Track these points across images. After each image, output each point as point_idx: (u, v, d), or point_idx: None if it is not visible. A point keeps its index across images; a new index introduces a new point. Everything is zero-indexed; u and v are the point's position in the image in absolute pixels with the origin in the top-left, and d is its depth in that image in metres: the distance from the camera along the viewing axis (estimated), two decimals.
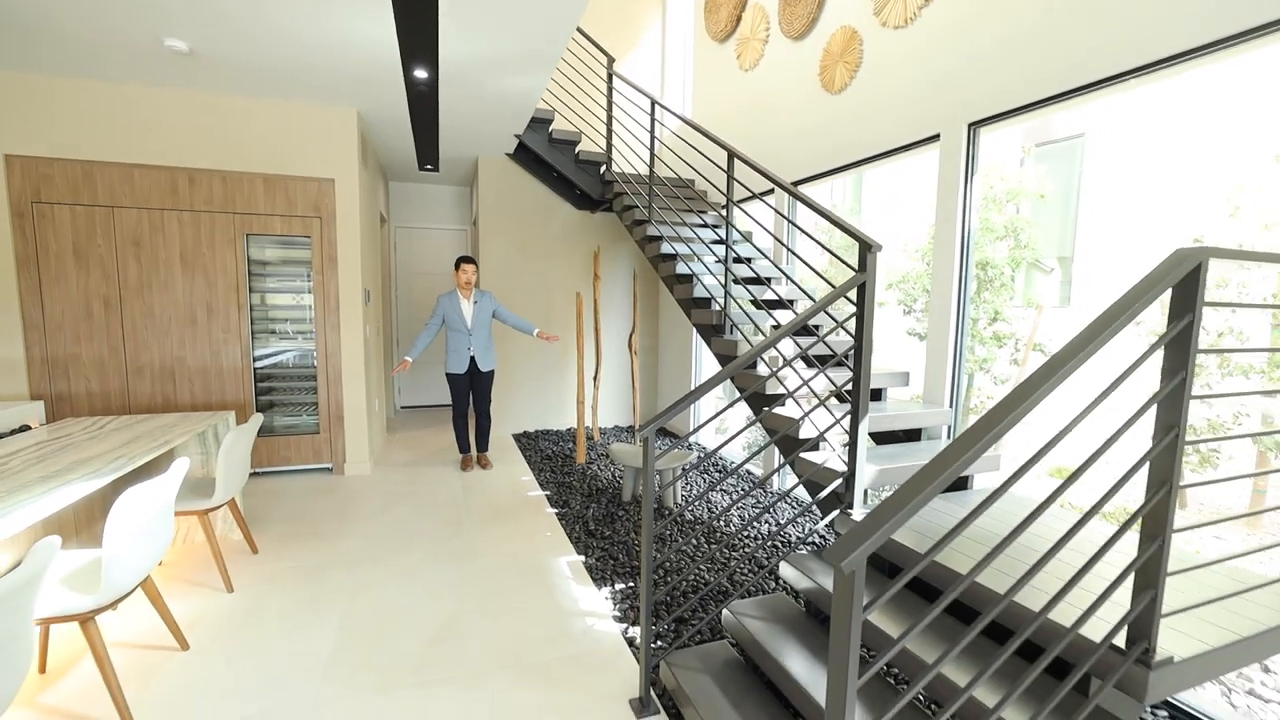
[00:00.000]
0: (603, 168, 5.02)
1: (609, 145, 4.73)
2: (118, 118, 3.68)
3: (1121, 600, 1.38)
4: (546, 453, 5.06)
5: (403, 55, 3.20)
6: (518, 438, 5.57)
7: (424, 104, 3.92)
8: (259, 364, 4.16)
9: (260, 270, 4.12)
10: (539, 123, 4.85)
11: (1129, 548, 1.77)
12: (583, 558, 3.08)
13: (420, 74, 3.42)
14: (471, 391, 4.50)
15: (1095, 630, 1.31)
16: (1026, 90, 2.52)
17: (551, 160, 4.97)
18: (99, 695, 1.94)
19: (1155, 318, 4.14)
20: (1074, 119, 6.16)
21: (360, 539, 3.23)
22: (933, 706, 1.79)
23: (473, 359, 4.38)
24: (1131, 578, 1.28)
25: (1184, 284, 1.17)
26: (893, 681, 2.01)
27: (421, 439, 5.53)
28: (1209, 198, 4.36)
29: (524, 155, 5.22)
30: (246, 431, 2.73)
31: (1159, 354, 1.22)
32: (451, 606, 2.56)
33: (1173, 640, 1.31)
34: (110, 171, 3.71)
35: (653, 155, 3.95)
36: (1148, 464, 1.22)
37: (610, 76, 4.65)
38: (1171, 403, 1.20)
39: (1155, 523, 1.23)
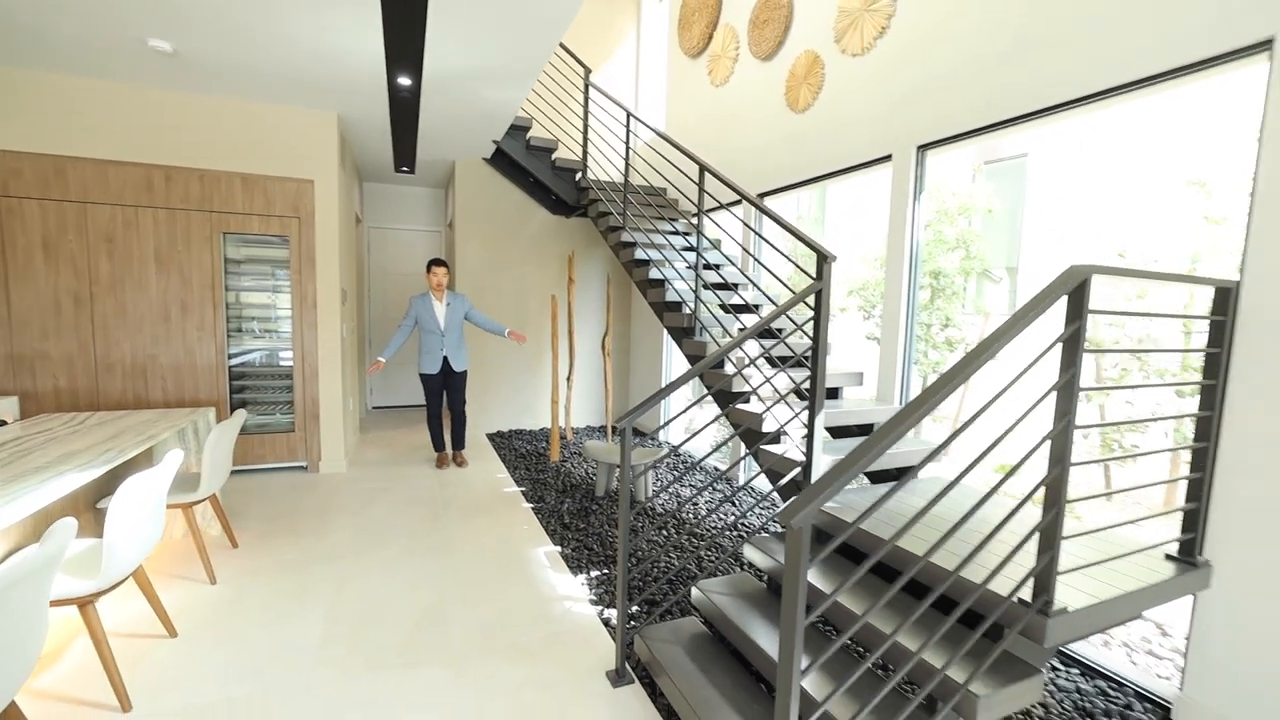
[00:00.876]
0: (578, 175, 5.19)
1: (585, 153, 4.90)
2: (92, 113, 3.68)
3: (1030, 563, 1.61)
4: (521, 451, 5.18)
5: (388, 64, 3.30)
6: (492, 437, 5.67)
7: (405, 110, 4.01)
8: (234, 362, 4.18)
9: (237, 269, 4.15)
10: (517, 129, 4.99)
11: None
12: (559, 548, 3.23)
13: (404, 82, 3.53)
14: (446, 391, 4.59)
15: (1007, 588, 1.54)
16: (968, 118, 2.79)
17: (529, 166, 5.10)
18: (91, 679, 2.00)
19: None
20: (1018, 140, 6.62)
21: (340, 534, 3.31)
22: (883, 665, 2.01)
23: (445, 359, 4.47)
24: (1036, 543, 1.51)
25: (1074, 295, 1.41)
26: (840, 642, 2.22)
27: (394, 438, 5.58)
28: (1132, 215, 4.79)
29: (501, 160, 5.34)
30: (231, 427, 2.80)
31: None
32: (434, 595, 2.68)
33: (1069, 595, 1.55)
34: (83, 167, 3.70)
35: (628, 166, 4.13)
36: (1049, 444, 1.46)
37: (587, 87, 4.82)
38: (1065, 394, 1.44)
39: (1053, 494, 1.46)
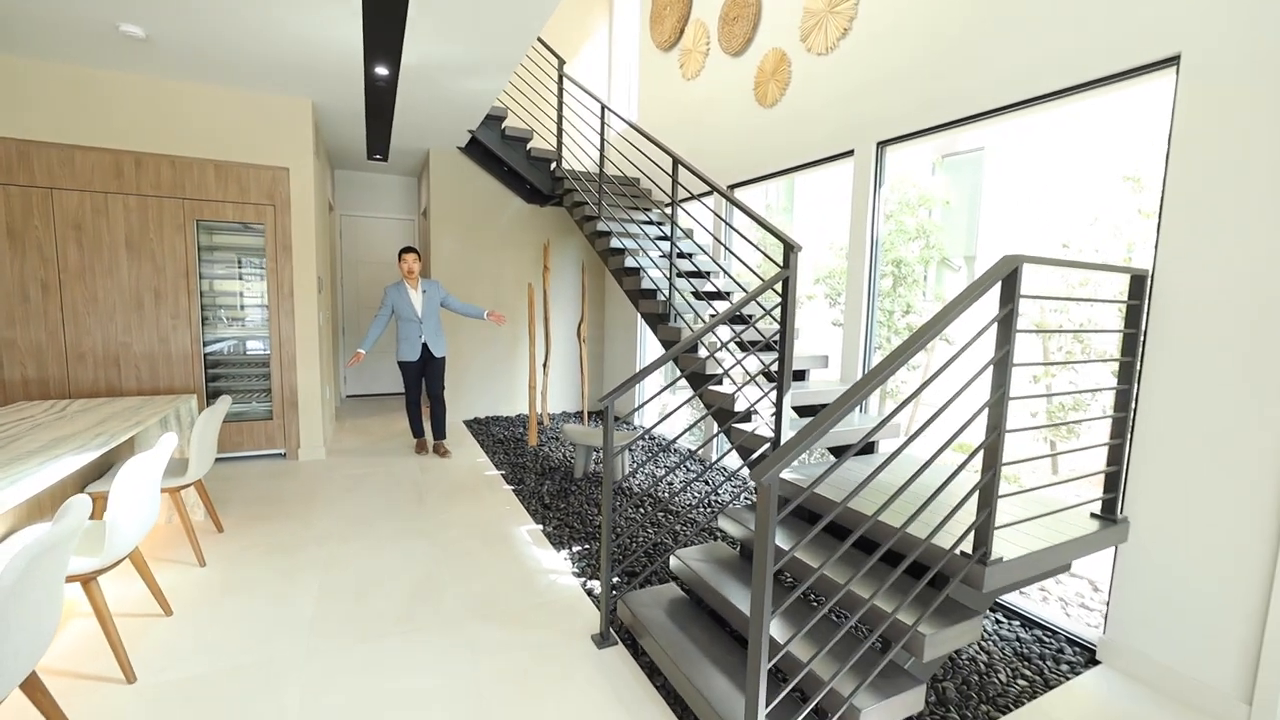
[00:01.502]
0: (553, 164, 5.26)
1: (559, 143, 4.97)
2: (58, 97, 3.61)
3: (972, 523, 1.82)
4: (499, 437, 5.28)
5: (366, 54, 3.34)
6: (469, 424, 5.75)
7: (381, 99, 4.04)
8: (209, 349, 4.16)
9: (212, 256, 4.12)
10: (492, 119, 5.03)
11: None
12: (541, 526, 3.36)
13: (381, 72, 3.57)
14: (424, 378, 4.64)
15: (950, 543, 1.74)
16: (922, 116, 2.97)
17: (504, 155, 5.15)
18: (91, 654, 2.07)
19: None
20: (976, 134, 6.92)
21: (326, 517, 3.38)
22: (839, 611, 2.21)
23: (425, 346, 4.51)
24: (975, 501, 1.71)
25: (1008, 281, 1.60)
26: (804, 595, 2.42)
27: (371, 426, 5.61)
28: (1076, 208, 5.11)
29: (475, 149, 5.37)
30: (217, 412, 2.85)
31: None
32: (424, 570, 2.79)
33: (1005, 548, 1.76)
34: (49, 152, 3.63)
35: (602, 157, 4.24)
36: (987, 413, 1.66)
37: (561, 78, 4.89)
38: (1000, 368, 1.63)
39: (991, 457, 1.66)
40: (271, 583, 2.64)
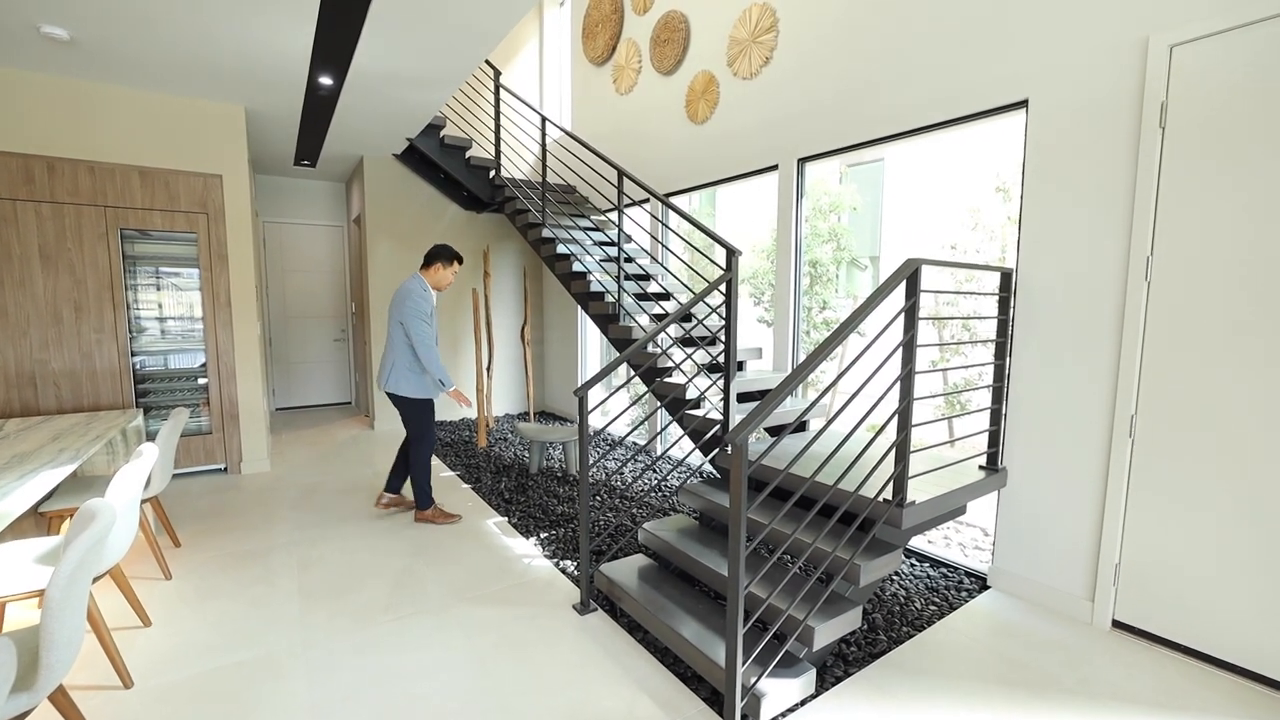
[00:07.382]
0: (491, 172, 5.39)
1: (497, 152, 5.13)
2: None
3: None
4: (445, 441, 5.35)
5: (313, 63, 3.38)
6: None
7: (321, 107, 4.04)
8: (139, 364, 3.99)
9: (140, 266, 3.95)
10: (430, 127, 5.09)
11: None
12: (506, 518, 3.54)
13: (325, 81, 3.61)
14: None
15: (874, 494, 2.14)
16: (837, 136, 3.44)
17: (442, 163, 5.22)
18: (81, 664, 2.07)
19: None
20: (877, 147, 7.71)
21: (286, 525, 3.39)
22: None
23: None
24: (892, 459, 2.12)
25: (911, 279, 2.02)
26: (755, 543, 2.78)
27: (309, 437, 5.49)
28: (960, 214, 5.88)
29: (411, 156, 5.41)
30: (177, 424, 2.82)
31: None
32: (400, 564, 2.92)
33: (915, 494, 2.18)
34: None
35: (545, 167, 4.45)
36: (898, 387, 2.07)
37: (497, 89, 5.05)
38: (908, 349, 2.05)
39: (903, 420, 2.07)
40: (248, 587, 2.67)
